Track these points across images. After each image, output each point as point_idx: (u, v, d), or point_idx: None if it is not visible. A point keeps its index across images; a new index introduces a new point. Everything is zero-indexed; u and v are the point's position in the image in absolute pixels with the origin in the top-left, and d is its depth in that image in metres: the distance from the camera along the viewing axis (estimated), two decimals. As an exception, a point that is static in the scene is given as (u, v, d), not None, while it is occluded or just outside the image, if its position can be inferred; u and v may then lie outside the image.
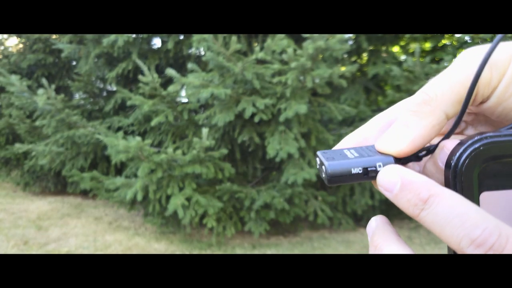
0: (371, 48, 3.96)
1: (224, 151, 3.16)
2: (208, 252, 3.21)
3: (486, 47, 0.21)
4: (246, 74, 2.90)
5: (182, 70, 3.88)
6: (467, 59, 0.22)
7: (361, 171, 0.21)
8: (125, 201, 3.34)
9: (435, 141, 0.23)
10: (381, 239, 0.22)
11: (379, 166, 0.21)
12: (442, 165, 0.21)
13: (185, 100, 3.73)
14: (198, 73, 3.08)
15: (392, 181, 0.20)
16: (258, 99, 2.97)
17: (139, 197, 2.97)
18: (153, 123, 3.33)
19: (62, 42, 4.89)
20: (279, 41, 3.03)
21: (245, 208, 3.29)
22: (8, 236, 3.33)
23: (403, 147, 0.21)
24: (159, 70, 4.08)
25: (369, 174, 0.21)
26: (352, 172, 0.21)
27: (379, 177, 0.21)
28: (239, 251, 3.25)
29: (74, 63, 5.62)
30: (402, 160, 0.22)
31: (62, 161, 4.15)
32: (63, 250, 3.11)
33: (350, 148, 0.23)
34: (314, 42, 2.79)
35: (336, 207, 3.73)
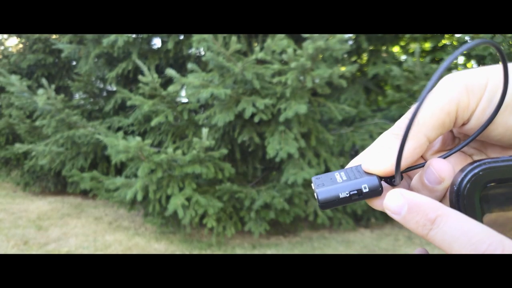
0: (371, 48, 3.96)
1: (224, 151, 3.16)
2: (208, 252, 3.21)
3: (471, 70, 0.23)
4: (246, 74, 2.90)
5: (182, 70, 3.88)
6: (448, 85, 0.23)
7: (348, 195, 0.23)
8: (125, 201, 3.34)
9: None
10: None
11: (364, 188, 0.23)
12: (427, 182, 0.23)
13: (185, 100, 3.72)
14: (198, 73, 3.08)
15: (399, 205, 0.21)
16: (258, 99, 2.97)
17: (139, 197, 2.97)
18: (153, 123, 3.33)
19: (62, 42, 4.89)
20: (279, 41, 3.03)
21: (245, 208, 3.29)
22: (8, 236, 3.33)
23: (387, 167, 0.23)
24: (159, 70, 4.09)
25: (354, 197, 0.23)
26: (340, 197, 0.23)
27: (386, 201, 0.22)
28: (239, 251, 3.25)
29: (74, 63, 5.62)
30: (385, 179, 0.24)
31: (62, 161, 4.15)
32: (63, 250, 3.11)
33: (341, 170, 0.25)
34: (314, 42, 2.79)
35: (336, 207, 3.73)
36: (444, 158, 0.24)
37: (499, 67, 0.21)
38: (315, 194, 0.24)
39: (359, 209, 3.65)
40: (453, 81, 0.23)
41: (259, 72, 2.97)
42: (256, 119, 3.00)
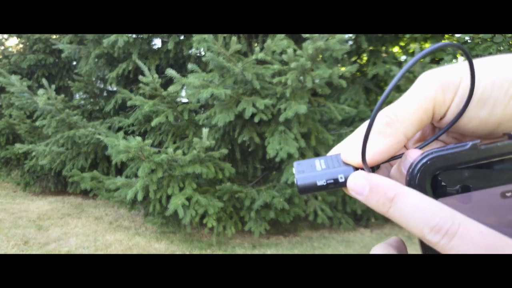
0: (371, 48, 3.96)
1: (224, 151, 3.16)
2: (208, 252, 3.21)
3: (446, 68, 0.25)
4: (246, 74, 2.90)
5: (182, 70, 3.89)
6: (424, 84, 0.25)
7: (325, 183, 0.25)
8: (126, 201, 3.34)
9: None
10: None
11: (341, 178, 0.24)
12: (404, 171, 0.24)
13: (185, 100, 3.72)
14: (198, 74, 3.08)
15: (362, 185, 0.23)
16: (258, 99, 2.97)
17: (140, 197, 2.97)
18: (154, 123, 3.33)
19: (62, 42, 4.89)
20: (279, 42, 3.03)
21: (245, 208, 3.29)
22: (8, 236, 3.33)
23: (360, 160, 0.24)
24: (159, 71, 4.09)
25: (331, 185, 0.25)
26: (318, 185, 0.25)
27: (349, 183, 0.24)
28: (239, 251, 3.25)
29: (74, 63, 5.62)
30: (362, 169, 0.25)
31: (63, 161, 4.16)
32: (64, 250, 3.12)
33: (322, 157, 0.26)
34: (314, 42, 2.79)
35: (336, 206, 3.73)
36: (420, 148, 0.25)
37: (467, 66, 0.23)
38: (295, 179, 0.25)
39: (359, 209, 3.65)
40: (429, 80, 0.24)
41: (259, 72, 2.97)
42: (256, 119, 3.00)
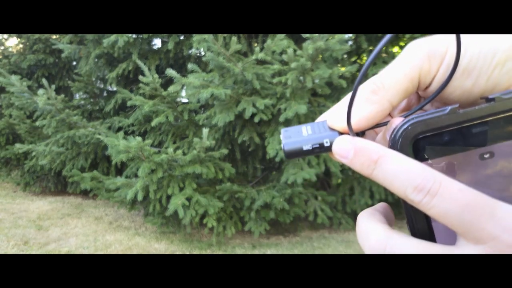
0: (371, 48, 3.96)
1: (224, 151, 3.16)
2: (208, 252, 3.21)
3: (433, 38, 0.25)
4: (246, 74, 2.90)
5: (182, 70, 3.89)
6: (411, 52, 0.25)
7: (310, 148, 0.25)
8: (126, 201, 3.34)
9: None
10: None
11: (326, 142, 0.25)
12: (388, 138, 0.25)
13: (185, 100, 3.72)
14: (198, 74, 3.08)
15: (346, 149, 0.24)
16: (258, 99, 2.97)
17: (140, 197, 2.97)
18: (154, 123, 3.33)
19: (62, 42, 4.89)
20: (279, 42, 3.03)
21: (245, 208, 3.29)
22: (8, 236, 3.33)
23: (346, 125, 0.25)
24: (160, 71, 4.09)
25: (316, 150, 0.25)
26: (304, 149, 0.25)
27: (335, 147, 0.25)
28: (239, 251, 3.25)
29: (74, 63, 5.63)
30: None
31: (63, 161, 4.16)
32: (64, 250, 3.12)
33: (308, 124, 0.27)
34: (314, 42, 2.79)
35: (336, 207, 3.73)
36: (405, 117, 0.25)
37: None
38: (281, 144, 0.26)
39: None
40: (415, 49, 0.25)
41: (259, 72, 2.97)
42: (256, 119, 3.00)
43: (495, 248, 0.20)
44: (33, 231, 3.52)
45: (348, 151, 0.24)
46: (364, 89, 0.25)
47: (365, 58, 4.17)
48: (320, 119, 0.27)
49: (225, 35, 3.25)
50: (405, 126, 0.23)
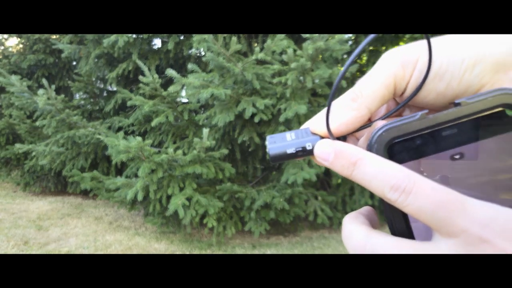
0: (371, 48, 3.96)
1: (225, 151, 3.16)
2: (208, 252, 3.21)
3: (406, 47, 0.27)
4: (246, 74, 2.90)
5: (182, 70, 3.89)
6: (386, 61, 0.27)
7: (294, 151, 0.27)
8: (126, 201, 3.34)
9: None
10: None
11: (308, 146, 0.27)
12: None
13: (185, 100, 3.72)
14: (198, 74, 3.08)
15: (327, 152, 0.25)
16: (258, 99, 2.97)
17: (140, 197, 2.97)
18: (154, 123, 3.33)
19: (62, 42, 4.89)
20: (279, 42, 3.03)
21: (245, 208, 3.29)
22: (8, 236, 3.33)
23: (326, 131, 0.27)
24: (160, 71, 4.09)
25: (299, 153, 0.27)
26: (287, 152, 0.27)
27: (316, 150, 0.26)
28: (239, 251, 3.25)
29: (74, 63, 5.62)
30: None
31: (63, 161, 4.16)
32: (64, 250, 3.12)
33: (292, 131, 0.29)
34: (314, 42, 2.79)
35: (336, 207, 3.73)
36: (383, 119, 0.28)
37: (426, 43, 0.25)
38: (267, 149, 0.28)
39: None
40: (390, 58, 0.27)
41: (259, 72, 2.97)
42: (256, 119, 3.00)
43: (466, 240, 0.21)
44: (33, 231, 3.52)
45: (329, 154, 0.25)
46: (344, 97, 0.27)
47: (365, 58, 4.17)
48: (303, 126, 0.29)
49: (225, 35, 3.25)
50: (379, 132, 0.24)
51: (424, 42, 0.26)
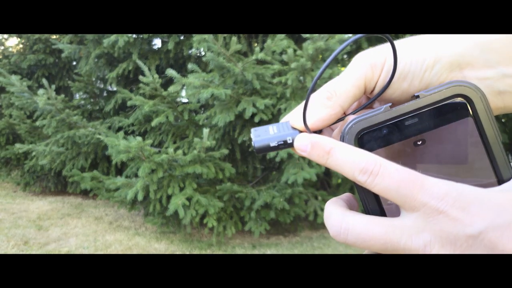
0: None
1: (225, 151, 3.16)
2: (208, 252, 3.21)
3: (374, 51, 0.30)
4: (246, 74, 2.91)
5: (182, 70, 3.89)
6: (357, 64, 0.30)
7: (276, 144, 0.30)
8: (126, 201, 3.34)
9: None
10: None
11: (289, 139, 0.30)
12: None
13: (185, 100, 3.72)
14: (198, 74, 3.08)
15: (305, 144, 0.28)
16: (258, 99, 2.97)
17: (140, 197, 2.97)
18: (154, 123, 3.33)
19: (62, 42, 4.89)
20: (279, 42, 3.03)
21: (245, 208, 3.29)
22: (8, 236, 3.34)
23: (304, 125, 0.30)
24: (160, 71, 4.09)
25: (281, 146, 0.30)
26: (271, 145, 0.30)
27: (296, 142, 0.29)
28: (239, 251, 3.26)
29: (74, 63, 5.62)
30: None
31: (63, 161, 4.16)
32: (64, 250, 3.12)
33: (274, 124, 0.32)
34: (314, 42, 2.79)
35: (336, 207, 3.72)
36: (354, 113, 0.31)
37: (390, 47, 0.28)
38: (252, 142, 0.30)
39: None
40: (360, 61, 0.30)
41: (259, 72, 2.97)
42: (256, 119, 3.00)
43: (426, 212, 0.23)
44: (33, 231, 3.52)
45: (306, 146, 0.28)
46: (320, 95, 0.30)
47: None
48: (284, 119, 0.33)
49: (225, 35, 3.25)
50: (350, 125, 0.27)
51: (389, 46, 0.28)
